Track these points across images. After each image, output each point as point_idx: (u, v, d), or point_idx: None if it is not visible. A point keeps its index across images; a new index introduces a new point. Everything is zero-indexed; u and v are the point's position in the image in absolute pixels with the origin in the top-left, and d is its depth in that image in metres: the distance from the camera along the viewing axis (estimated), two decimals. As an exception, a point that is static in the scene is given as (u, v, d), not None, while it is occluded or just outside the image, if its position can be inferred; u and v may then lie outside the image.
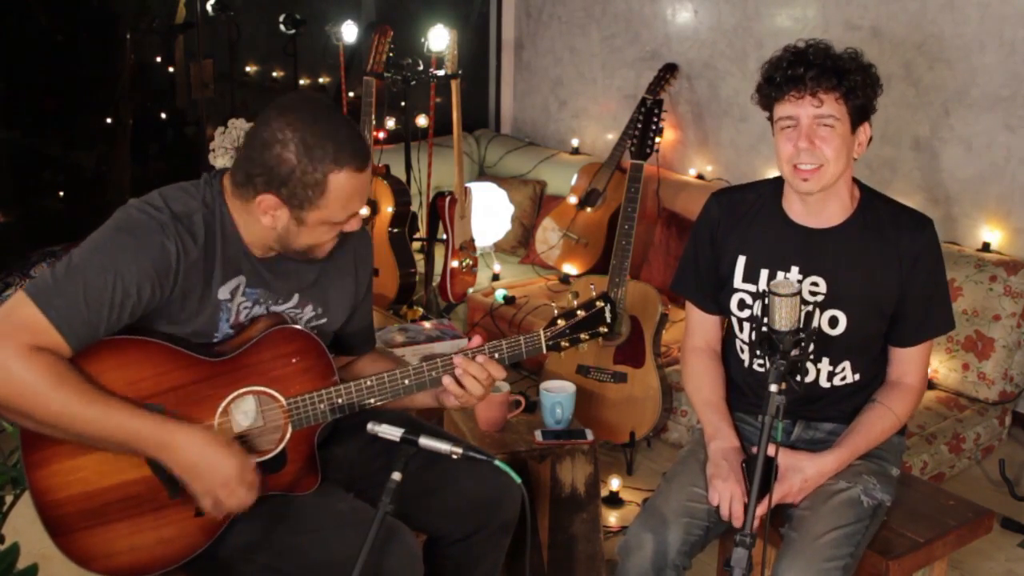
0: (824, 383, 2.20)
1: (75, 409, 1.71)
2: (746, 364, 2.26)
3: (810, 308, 2.10)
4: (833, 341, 2.15)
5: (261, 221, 1.85)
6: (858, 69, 2.03)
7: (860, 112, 2.06)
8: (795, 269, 2.16)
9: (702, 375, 2.30)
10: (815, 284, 2.14)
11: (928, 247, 2.14)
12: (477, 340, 2.00)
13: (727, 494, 2.07)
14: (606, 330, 2.03)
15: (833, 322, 2.15)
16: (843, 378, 2.21)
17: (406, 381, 1.97)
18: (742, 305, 2.23)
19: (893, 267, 2.12)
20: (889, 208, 2.17)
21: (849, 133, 2.06)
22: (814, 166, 2.04)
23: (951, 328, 2.22)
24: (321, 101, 1.85)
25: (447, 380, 1.97)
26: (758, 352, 1.93)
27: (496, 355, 1.99)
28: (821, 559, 1.97)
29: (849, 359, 2.19)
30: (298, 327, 1.95)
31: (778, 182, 2.23)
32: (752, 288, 2.20)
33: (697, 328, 2.34)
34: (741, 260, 2.22)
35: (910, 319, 2.16)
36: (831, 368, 2.19)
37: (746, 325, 2.23)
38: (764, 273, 2.19)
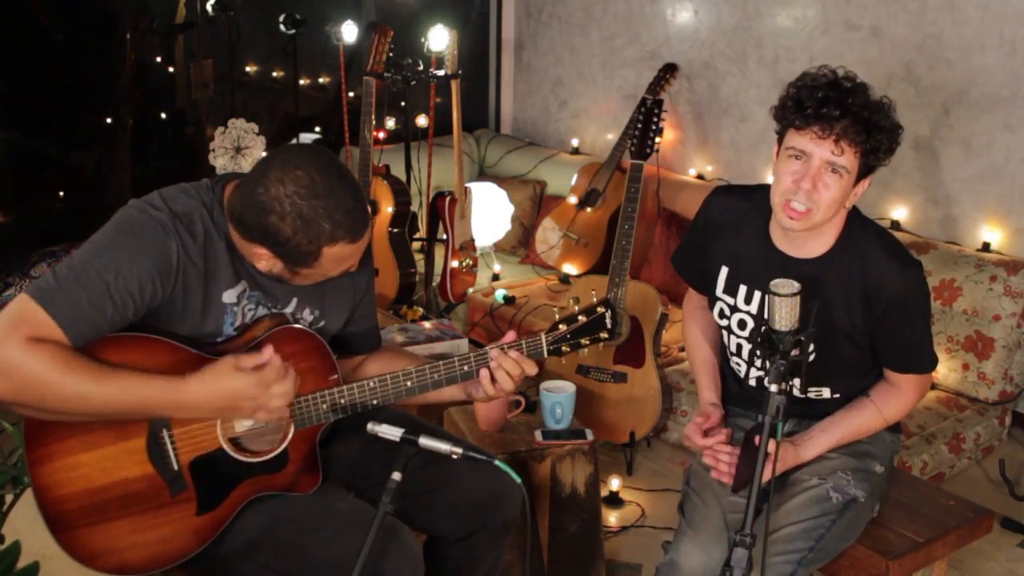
0: (798, 394, 2.14)
1: (88, 388, 1.71)
2: (741, 374, 2.26)
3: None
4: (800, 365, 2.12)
5: (257, 263, 1.87)
6: (888, 130, 1.96)
7: (869, 169, 2.01)
8: None
9: (698, 334, 2.37)
10: None
11: (905, 290, 2.05)
12: (511, 336, 2.02)
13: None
14: (607, 336, 2.03)
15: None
16: (819, 394, 2.21)
17: (408, 383, 1.98)
18: (722, 315, 2.22)
19: (863, 303, 2.06)
20: (873, 243, 2.07)
21: (851, 185, 1.99)
22: (805, 208, 1.98)
23: (931, 368, 2.17)
24: (324, 164, 1.79)
25: (484, 373, 1.99)
26: (757, 353, 1.92)
27: None
28: (771, 553, 1.98)
29: (826, 384, 2.19)
30: (301, 327, 1.95)
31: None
32: (731, 301, 2.19)
33: (694, 292, 2.41)
34: (724, 271, 2.20)
35: (890, 357, 2.14)
36: (801, 388, 2.15)
37: (729, 337, 2.23)
38: (743, 289, 2.17)
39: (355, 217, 1.81)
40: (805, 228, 2.01)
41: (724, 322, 2.22)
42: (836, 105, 1.91)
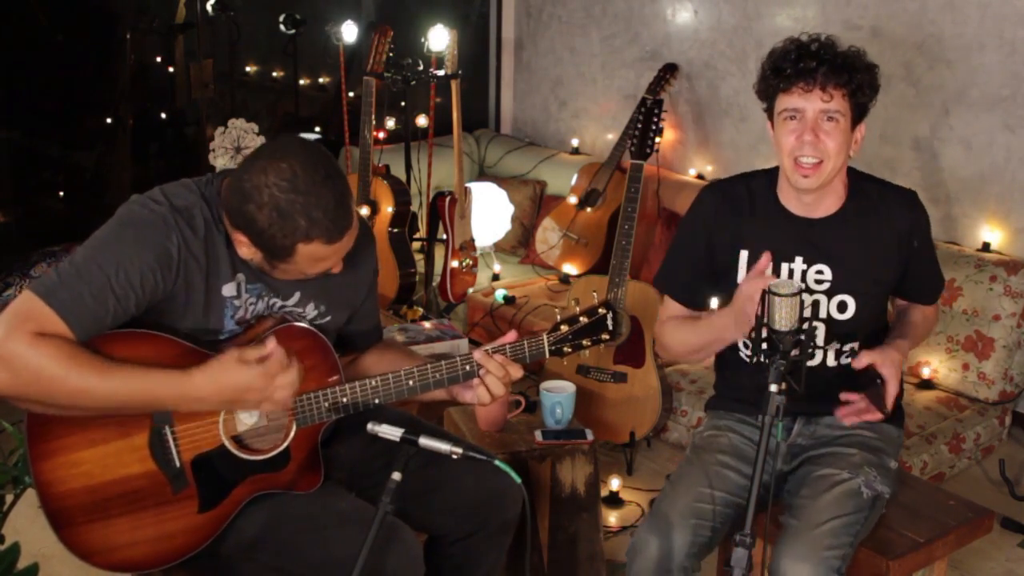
0: (831, 362, 2.22)
1: (93, 382, 1.72)
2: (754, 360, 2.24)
3: (817, 297, 2.13)
4: (842, 325, 2.18)
5: (239, 250, 1.87)
6: (865, 69, 2.07)
7: (861, 110, 2.10)
8: (799, 259, 2.17)
9: (680, 327, 2.25)
10: (820, 272, 2.17)
11: (919, 220, 2.22)
12: (512, 335, 2.01)
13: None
14: (608, 337, 2.04)
15: (842, 307, 2.18)
16: (850, 356, 2.21)
17: (410, 382, 1.98)
18: None
19: (892, 245, 2.18)
20: (876, 188, 2.23)
21: (850, 130, 2.09)
22: (815, 161, 2.06)
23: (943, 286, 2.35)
24: (312, 160, 1.77)
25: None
26: (760, 355, 1.93)
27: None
28: (822, 547, 1.98)
29: (859, 339, 2.22)
30: (304, 325, 1.96)
31: (771, 174, 2.24)
32: None
33: (674, 311, 2.30)
34: (743, 255, 2.21)
35: (921, 292, 2.28)
36: (839, 346, 2.21)
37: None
38: (769, 266, 2.19)
39: (334, 219, 1.79)
40: (820, 183, 2.09)
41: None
42: (811, 57, 2.04)
